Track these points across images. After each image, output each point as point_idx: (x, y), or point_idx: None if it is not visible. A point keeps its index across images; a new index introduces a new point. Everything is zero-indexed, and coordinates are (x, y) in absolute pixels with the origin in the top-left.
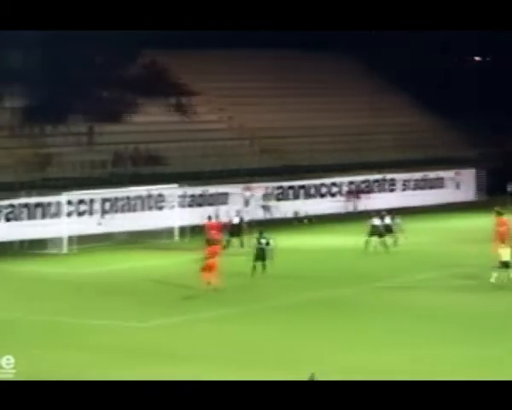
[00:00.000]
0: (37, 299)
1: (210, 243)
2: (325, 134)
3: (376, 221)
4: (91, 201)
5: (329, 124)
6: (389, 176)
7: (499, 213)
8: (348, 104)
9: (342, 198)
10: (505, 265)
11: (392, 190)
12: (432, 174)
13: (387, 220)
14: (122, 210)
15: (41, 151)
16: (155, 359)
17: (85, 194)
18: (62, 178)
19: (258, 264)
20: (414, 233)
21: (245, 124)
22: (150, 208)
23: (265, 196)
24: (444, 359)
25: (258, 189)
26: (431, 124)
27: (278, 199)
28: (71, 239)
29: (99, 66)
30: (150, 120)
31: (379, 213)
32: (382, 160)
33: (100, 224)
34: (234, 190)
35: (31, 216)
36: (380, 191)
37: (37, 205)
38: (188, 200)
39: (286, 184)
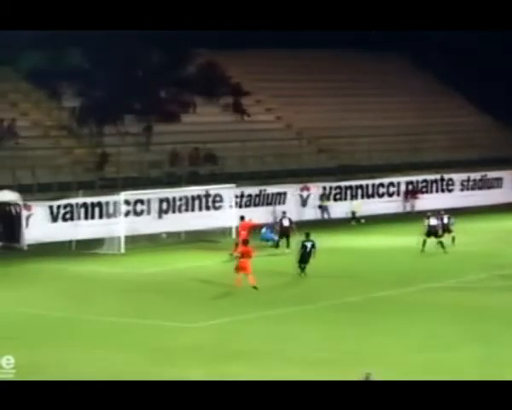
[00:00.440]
0: (94, 299)
1: (244, 243)
2: (383, 134)
3: (434, 221)
4: (148, 200)
5: (387, 124)
6: (447, 176)
7: None
8: (405, 104)
9: (400, 198)
10: None
11: (450, 191)
12: (490, 174)
13: (445, 220)
14: (179, 210)
15: (98, 151)
16: (210, 358)
17: (143, 194)
18: (120, 178)
19: (303, 265)
20: (470, 233)
21: (302, 124)
22: (208, 208)
23: (322, 196)
24: (502, 359)
25: (316, 189)
26: (488, 124)
27: (335, 199)
28: (128, 239)
29: (156, 65)
30: (207, 120)
31: (437, 213)
32: (439, 160)
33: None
34: (291, 190)
35: (88, 216)
36: (437, 191)
37: (95, 205)
38: (245, 200)
39: (343, 184)
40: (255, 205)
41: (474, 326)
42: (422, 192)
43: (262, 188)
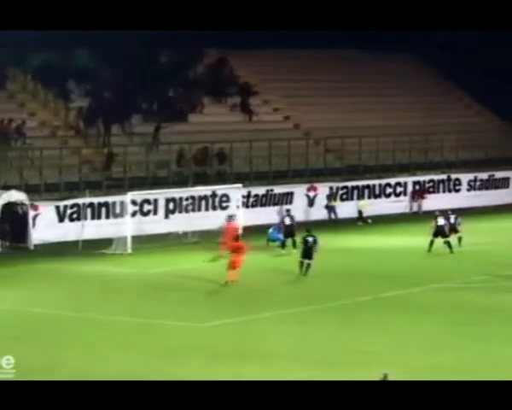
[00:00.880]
0: (100, 298)
1: (235, 239)
2: (390, 134)
3: (441, 221)
4: (155, 200)
5: (394, 124)
6: (454, 176)
7: None
8: (412, 104)
9: (407, 198)
10: None
11: (457, 191)
12: (497, 174)
13: (452, 220)
14: (186, 210)
15: (105, 151)
16: (218, 358)
17: (150, 194)
18: (127, 178)
19: (305, 262)
20: (477, 233)
21: (310, 124)
22: (214, 208)
23: (329, 196)
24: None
25: (323, 189)
26: (495, 124)
27: (342, 199)
28: (134, 239)
29: (164, 65)
30: (215, 120)
31: (444, 213)
32: (446, 160)
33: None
34: (298, 190)
35: (95, 216)
36: (444, 191)
37: (102, 205)
38: (252, 200)
39: (350, 184)
40: (262, 205)
41: (481, 327)
42: (429, 192)
43: (269, 188)
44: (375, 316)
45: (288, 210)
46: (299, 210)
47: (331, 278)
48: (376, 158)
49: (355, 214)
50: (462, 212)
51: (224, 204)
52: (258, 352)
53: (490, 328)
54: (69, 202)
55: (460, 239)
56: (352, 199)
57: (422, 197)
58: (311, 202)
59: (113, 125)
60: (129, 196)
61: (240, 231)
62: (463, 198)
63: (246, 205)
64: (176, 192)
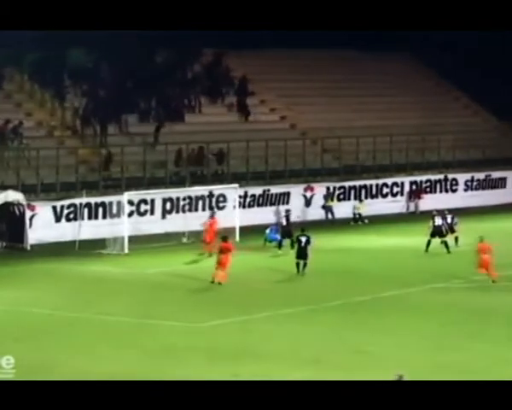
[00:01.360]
0: (97, 299)
1: (223, 239)
2: (386, 134)
3: (438, 221)
4: (152, 200)
5: (390, 124)
6: (451, 176)
7: None
8: (409, 104)
9: (404, 198)
10: None
11: (454, 191)
12: (494, 174)
13: (449, 220)
14: (183, 210)
15: (102, 151)
16: (216, 358)
17: (146, 194)
18: (124, 178)
19: (301, 262)
20: (475, 233)
21: (306, 124)
22: (211, 208)
23: (326, 197)
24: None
25: (320, 189)
26: (492, 124)
27: (339, 199)
28: (131, 239)
29: (160, 65)
30: (211, 120)
31: (441, 213)
32: (443, 159)
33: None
34: (295, 190)
35: (92, 216)
36: (441, 191)
37: (98, 205)
38: (249, 200)
39: (347, 184)
40: (259, 205)
41: (478, 327)
42: (426, 192)
43: (266, 188)
44: (373, 316)
45: (287, 210)
46: (296, 210)
47: (329, 278)
48: (373, 158)
49: (351, 215)
50: (458, 212)
51: (221, 204)
52: (257, 352)
53: (488, 328)
54: (66, 202)
55: (457, 239)
56: (349, 199)
57: (419, 197)
58: (307, 203)
59: (109, 125)
60: (126, 196)
61: (216, 227)
62: (460, 198)
63: (242, 205)
64: (173, 192)
